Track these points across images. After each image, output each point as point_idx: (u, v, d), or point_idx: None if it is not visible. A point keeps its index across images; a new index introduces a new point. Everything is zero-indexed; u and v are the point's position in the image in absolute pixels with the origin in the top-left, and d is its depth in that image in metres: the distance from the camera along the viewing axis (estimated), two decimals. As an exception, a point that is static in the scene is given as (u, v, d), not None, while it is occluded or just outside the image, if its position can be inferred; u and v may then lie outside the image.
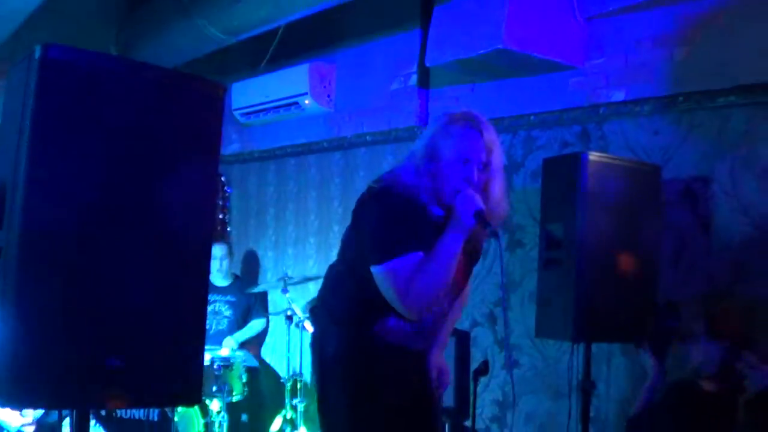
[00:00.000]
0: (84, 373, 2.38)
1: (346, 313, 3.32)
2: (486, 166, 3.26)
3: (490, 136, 3.26)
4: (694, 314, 3.97)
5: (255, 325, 7.35)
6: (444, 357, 3.71)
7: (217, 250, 7.12)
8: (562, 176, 4.34)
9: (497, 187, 3.33)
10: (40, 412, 5.84)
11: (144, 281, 2.48)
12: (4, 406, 2.28)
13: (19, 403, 2.61)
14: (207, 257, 2.63)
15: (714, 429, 3.64)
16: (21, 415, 5.53)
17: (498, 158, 3.31)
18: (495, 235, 3.15)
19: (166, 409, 5.84)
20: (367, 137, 6.83)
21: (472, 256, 3.47)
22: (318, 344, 3.43)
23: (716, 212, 4.73)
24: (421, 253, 3.10)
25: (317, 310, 3.51)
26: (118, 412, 5.82)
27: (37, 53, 2.32)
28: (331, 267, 3.52)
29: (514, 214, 5.77)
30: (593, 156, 4.25)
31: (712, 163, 4.76)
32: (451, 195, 3.17)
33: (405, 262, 3.07)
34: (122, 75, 2.48)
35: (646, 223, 4.44)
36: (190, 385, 2.57)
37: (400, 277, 3.07)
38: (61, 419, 4.77)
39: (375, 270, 3.12)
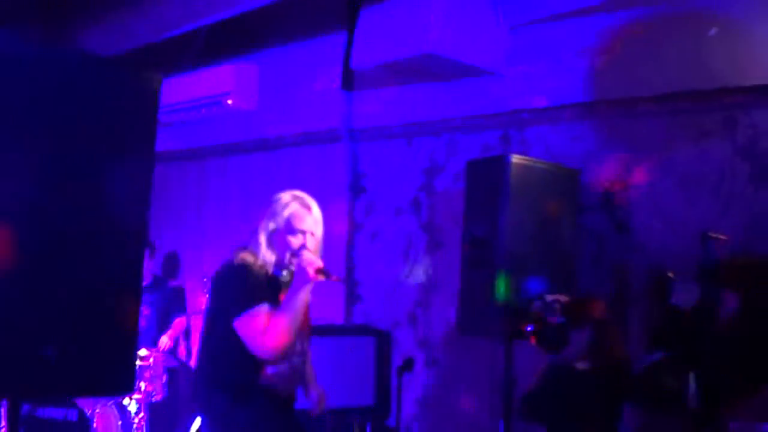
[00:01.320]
0: (18, 363, 2.36)
1: (231, 378, 3.84)
2: (313, 235, 3.94)
3: (317, 211, 3.99)
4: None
5: (179, 323, 7.24)
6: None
7: None
8: (485, 178, 4.42)
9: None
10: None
11: (79, 270, 2.47)
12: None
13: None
14: (142, 247, 2.63)
15: (588, 401, 3.93)
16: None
17: (322, 229, 4.01)
18: (341, 281, 4.05)
19: (84, 410, 5.78)
20: (290, 139, 6.85)
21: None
22: (208, 411, 3.92)
23: (633, 216, 4.87)
24: (267, 304, 3.73)
25: (199, 384, 3.97)
26: (38, 412, 5.74)
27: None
28: (204, 346, 4.01)
29: (435, 215, 5.86)
30: (516, 158, 4.35)
31: (630, 168, 4.89)
32: (290, 259, 3.87)
33: (257, 311, 3.70)
34: (57, 62, 2.45)
35: (565, 224, 4.56)
36: (125, 374, 2.57)
37: (255, 322, 3.69)
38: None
39: (235, 322, 3.72)
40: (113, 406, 6.25)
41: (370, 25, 5.59)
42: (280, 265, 3.91)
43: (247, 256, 3.88)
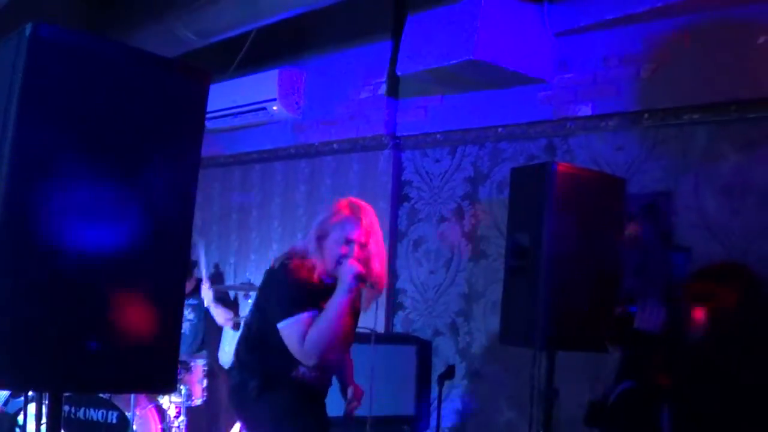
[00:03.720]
0: (62, 355, 2.35)
1: (264, 368, 4.06)
2: (364, 246, 4.05)
3: (369, 221, 4.09)
4: None
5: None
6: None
7: None
8: (530, 185, 4.37)
9: (377, 263, 4.12)
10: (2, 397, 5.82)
11: (125, 263, 2.46)
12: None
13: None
14: (187, 245, 2.62)
15: None
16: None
17: (376, 239, 4.12)
18: (372, 287, 4.06)
19: (125, 412, 5.81)
20: (334, 145, 6.85)
21: (356, 316, 4.27)
22: (239, 394, 4.14)
23: (678, 226, 4.81)
24: (313, 311, 3.91)
25: (234, 370, 4.22)
26: (76, 412, 5.78)
27: (28, 31, 2.27)
28: (244, 337, 4.25)
29: (478, 225, 5.83)
30: (561, 166, 4.29)
31: (675, 178, 4.85)
32: (336, 267, 3.98)
33: (300, 318, 3.88)
34: (110, 58, 2.45)
35: (610, 234, 4.50)
36: (167, 371, 2.56)
37: (297, 330, 3.87)
38: (26, 405, 4.72)
39: (279, 326, 3.92)
40: (153, 409, 6.28)
41: (417, 31, 5.58)
42: (328, 272, 4.01)
43: (295, 261, 4.03)
